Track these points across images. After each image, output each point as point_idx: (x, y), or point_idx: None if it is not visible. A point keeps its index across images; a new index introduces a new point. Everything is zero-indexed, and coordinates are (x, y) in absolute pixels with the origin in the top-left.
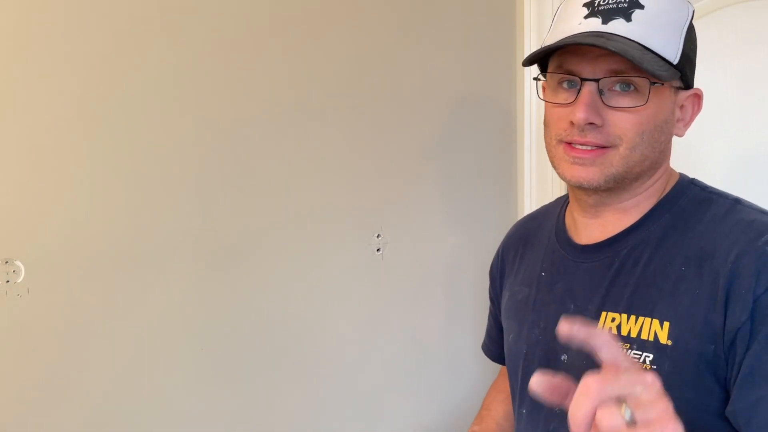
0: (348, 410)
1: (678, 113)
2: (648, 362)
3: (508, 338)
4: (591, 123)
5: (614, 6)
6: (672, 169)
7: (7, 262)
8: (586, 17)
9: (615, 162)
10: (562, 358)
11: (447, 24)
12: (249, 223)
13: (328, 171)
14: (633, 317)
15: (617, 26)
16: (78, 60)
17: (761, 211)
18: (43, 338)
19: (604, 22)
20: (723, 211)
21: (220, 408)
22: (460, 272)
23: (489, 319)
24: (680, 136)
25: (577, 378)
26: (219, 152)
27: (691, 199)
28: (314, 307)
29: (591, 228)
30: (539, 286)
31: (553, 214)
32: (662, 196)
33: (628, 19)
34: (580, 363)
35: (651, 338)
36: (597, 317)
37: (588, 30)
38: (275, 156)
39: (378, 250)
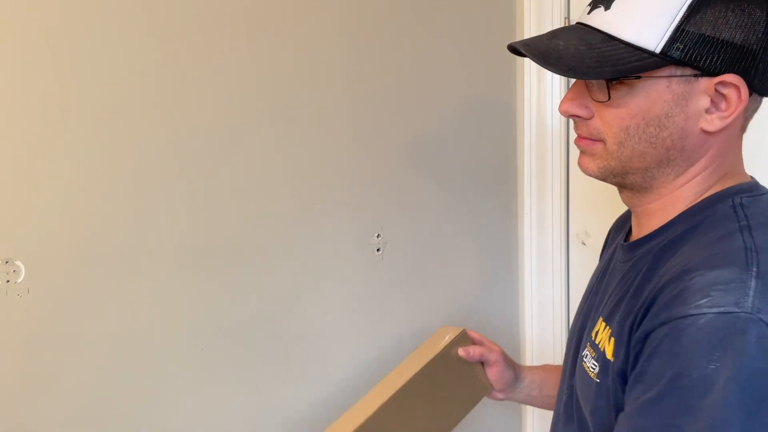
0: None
1: (706, 103)
2: (595, 373)
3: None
4: (576, 116)
5: None
6: (736, 174)
7: (7, 262)
8: (588, 5)
9: (605, 155)
10: (582, 353)
11: (447, 24)
12: (249, 223)
13: (327, 171)
14: (607, 327)
15: (596, 15)
16: (78, 60)
17: (749, 248)
18: (43, 338)
19: (591, 11)
20: (718, 236)
21: (220, 407)
22: (460, 271)
23: None
24: (709, 130)
25: (577, 371)
26: (219, 152)
27: (712, 216)
28: (314, 307)
29: (634, 227)
30: (598, 278)
31: None
32: (690, 205)
33: (608, 6)
34: (579, 356)
35: (602, 350)
36: (597, 319)
37: (572, 23)
38: (275, 156)
39: (378, 250)
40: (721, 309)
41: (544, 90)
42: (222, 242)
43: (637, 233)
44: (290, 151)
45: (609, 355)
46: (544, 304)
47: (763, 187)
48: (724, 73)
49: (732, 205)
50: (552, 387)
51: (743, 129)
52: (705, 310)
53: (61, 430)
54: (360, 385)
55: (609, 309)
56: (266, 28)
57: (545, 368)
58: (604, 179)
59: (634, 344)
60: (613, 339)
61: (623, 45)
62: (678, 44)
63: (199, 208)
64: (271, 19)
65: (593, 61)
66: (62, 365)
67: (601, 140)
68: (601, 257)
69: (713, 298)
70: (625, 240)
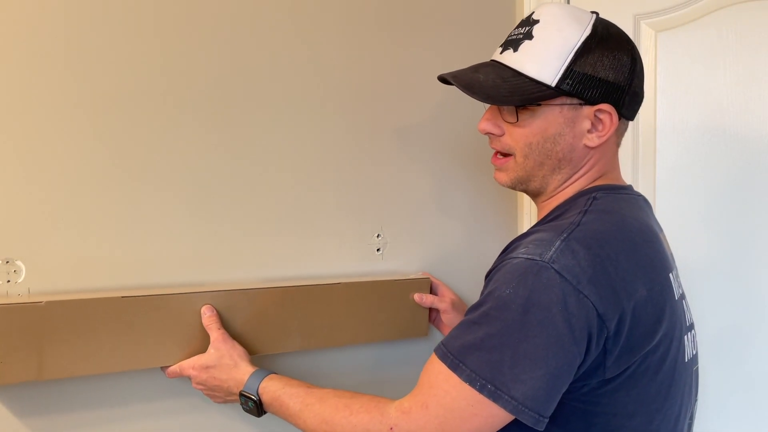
0: None
1: (587, 125)
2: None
3: None
4: (491, 133)
5: (514, 37)
6: (609, 176)
7: (7, 262)
8: (500, 46)
9: (514, 168)
10: None
11: (447, 23)
12: (248, 224)
13: (328, 171)
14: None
15: (506, 55)
16: (77, 61)
17: (576, 222)
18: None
19: (502, 51)
20: (564, 216)
21: (221, 409)
22: (460, 272)
23: None
24: (590, 146)
25: None
26: (218, 153)
27: (574, 205)
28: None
29: None
30: None
31: None
32: (565, 199)
33: (516, 48)
34: None
35: None
36: None
37: (489, 60)
38: (275, 156)
39: (378, 250)
40: (529, 256)
41: None
42: (222, 243)
43: None
44: (290, 151)
45: None
46: None
47: (633, 191)
48: (600, 102)
49: (588, 198)
50: None
51: (617, 144)
52: (520, 256)
53: (60, 429)
54: (360, 386)
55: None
56: (266, 28)
57: None
58: (513, 188)
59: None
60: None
61: (528, 79)
62: (568, 80)
63: (199, 209)
64: (271, 19)
65: (506, 91)
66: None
67: (512, 154)
68: None
69: (528, 249)
70: None
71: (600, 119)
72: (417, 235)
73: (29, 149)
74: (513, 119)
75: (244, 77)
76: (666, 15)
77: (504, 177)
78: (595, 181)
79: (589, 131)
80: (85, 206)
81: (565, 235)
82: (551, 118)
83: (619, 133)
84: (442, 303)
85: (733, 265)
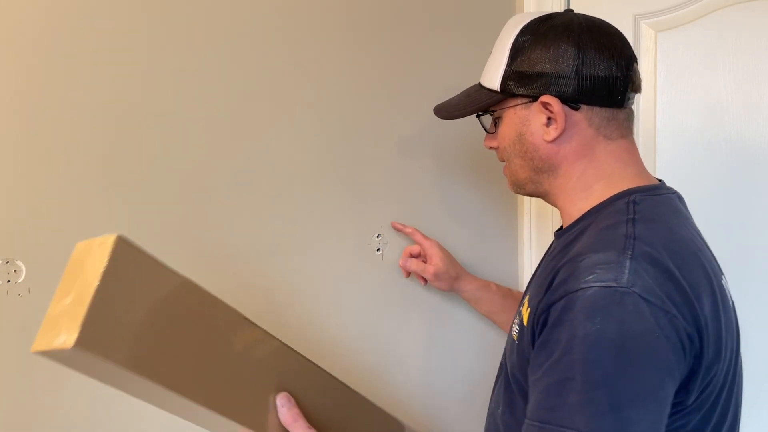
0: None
1: (543, 119)
2: (516, 335)
3: None
4: (492, 148)
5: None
6: (622, 176)
7: (8, 262)
8: None
9: (508, 173)
10: (515, 319)
11: (446, 24)
12: (248, 224)
13: (328, 171)
14: (527, 300)
15: (482, 74)
16: (77, 60)
17: (629, 236)
18: None
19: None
20: (608, 225)
21: None
22: None
23: None
24: (549, 139)
25: (508, 340)
26: (219, 153)
27: (609, 211)
28: (314, 307)
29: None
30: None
31: None
32: (595, 204)
33: (485, 65)
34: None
35: (522, 318)
36: (526, 297)
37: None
38: (275, 156)
39: (378, 250)
40: (603, 283)
41: None
42: (222, 243)
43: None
44: (290, 151)
45: (525, 321)
46: None
47: (667, 188)
48: (541, 95)
49: (627, 202)
50: (489, 305)
51: (607, 136)
52: (591, 284)
53: (61, 429)
54: (359, 386)
55: (532, 287)
56: (266, 28)
57: (488, 287)
58: (518, 192)
59: (538, 315)
60: (529, 309)
61: (484, 89)
62: (510, 81)
63: (199, 208)
64: (271, 19)
65: (463, 105)
66: (62, 365)
67: (506, 161)
68: None
69: (597, 275)
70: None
71: (552, 112)
72: None
73: (29, 149)
74: (491, 129)
75: (244, 77)
76: (666, 15)
77: (509, 184)
78: (605, 180)
79: (547, 125)
80: (85, 206)
81: (630, 253)
82: (510, 121)
83: (597, 123)
84: (426, 272)
85: (734, 265)
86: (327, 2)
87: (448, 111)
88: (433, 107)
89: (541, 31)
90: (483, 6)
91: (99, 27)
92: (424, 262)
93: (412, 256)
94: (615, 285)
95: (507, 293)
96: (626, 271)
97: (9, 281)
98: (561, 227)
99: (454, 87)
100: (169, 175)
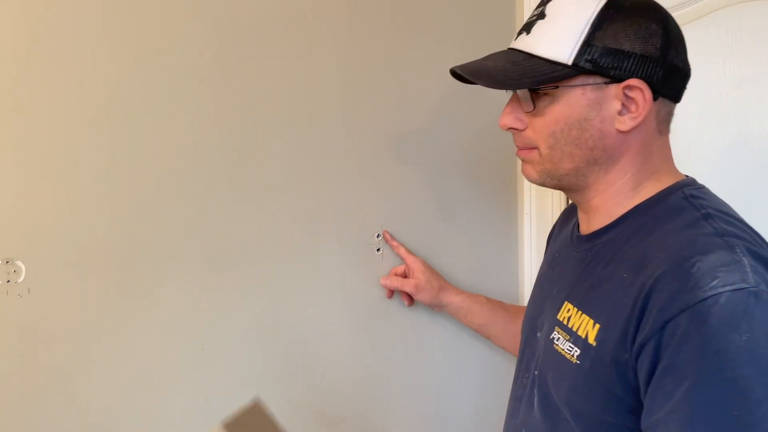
0: (348, 410)
1: (617, 106)
2: (575, 356)
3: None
4: (513, 128)
5: (528, 20)
6: (671, 173)
7: (7, 262)
8: (517, 33)
9: (540, 160)
10: (538, 335)
11: (446, 23)
12: (249, 223)
13: (327, 170)
14: (580, 313)
15: (520, 39)
16: (77, 60)
17: (721, 233)
18: (43, 338)
19: (517, 37)
20: (684, 223)
21: (221, 407)
22: (460, 272)
23: None
24: (623, 129)
25: (539, 352)
26: (218, 153)
27: (667, 206)
28: (314, 307)
29: (583, 221)
30: (550, 265)
31: None
32: (645, 199)
33: (529, 31)
34: (543, 340)
35: (583, 336)
36: (562, 304)
37: (506, 47)
38: (275, 156)
39: (378, 250)
40: (733, 286)
41: None
42: (222, 243)
43: (586, 227)
44: (290, 151)
45: (591, 339)
46: None
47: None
48: (628, 78)
49: (684, 197)
50: (478, 318)
51: (661, 131)
52: (720, 290)
53: (61, 429)
54: (359, 386)
55: (579, 295)
56: (265, 28)
57: (477, 299)
58: (543, 183)
59: (646, 335)
60: (597, 325)
61: (541, 60)
62: (586, 56)
63: (199, 209)
64: (270, 19)
65: (516, 75)
66: (63, 365)
67: (535, 147)
68: (548, 247)
69: (722, 278)
70: (574, 233)
71: (631, 98)
72: (417, 235)
73: (29, 149)
74: (529, 108)
75: (244, 76)
76: None
77: (531, 170)
78: (653, 176)
79: (620, 113)
80: (85, 206)
81: (739, 250)
82: (573, 102)
83: (661, 117)
84: (406, 286)
85: None
86: (326, 3)
87: (493, 78)
88: (432, 106)
89: (627, 5)
90: (483, 6)
91: (99, 27)
92: (406, 277)
93: (396, 275)
94: (746, 286)
95: (497, 305)
96: (748, 270)
97: (9, 281)
98: (576, 227)
99: (454, 87)
100: (169, 176)
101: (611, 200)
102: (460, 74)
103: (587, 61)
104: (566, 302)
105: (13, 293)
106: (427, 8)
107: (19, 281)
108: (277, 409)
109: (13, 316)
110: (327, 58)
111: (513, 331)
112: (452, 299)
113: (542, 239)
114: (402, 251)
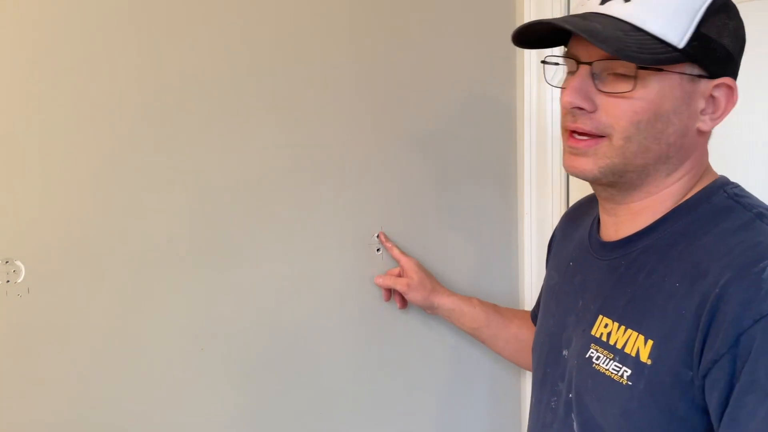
0: (348, 410)
1: (702, 104)
2: (626, 377)
3: (536, 325)
4: (580, 108)
5: None
6: (710, 172)
7: (7, 262)
8: None
9: (609, 153)
10: (564, 353)
11: (446, 22)
12: (248, 223)
13: (327, 170)
14: (623, 328)
15: (613, 6)
16: (76, 60)
17: None
18: (43, 338)
19: (604, 1)
20: (736, 225)
21: (221, 407)
22: (460, 272)
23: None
24: (704, 130)
25: (570, 372)
26: (219, 152)
27: (712, 207)
28: (314, 307)
29: (608, 225)
30: (565, 275)
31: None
32: (683, 200)
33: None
34: (573, 359)
35: (633, 353)
36: (594, 319)
37: (585, 11)
38: (274, 156)
39: (378, 250)
40: None
41: (543, 88)
42: (222, 242)
43: (613, 232)
44: (290, 150)
45: (644, 357)
46: None
47: None
48: (721, 76)
49: (728, 196)
50: (471, 320)
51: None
52: None
53: (61, 430)
54: (359, 386)
55: (617, 308)
56: (267, 27)
57: (469, 301)
58: (601, 179)
59: (717, 350)
60: (650, 341)
61: (650, 37)
62: (695, 43)
63: (199, 208)
64: (271, 18)
65: (635, 46)
66: (62, 365)
67: (606, 136)
68: (552, 254)
69: None
70: (594, 239)
71: (715, 98)
72: (417, 235)
73: (29, 149)
74: (626, 87)
75: (244, 75)
76: None
77: (589, 165)
78: (702, 177)
79: (702, 112)
80: (85, 206)
81: None
82: (668, 91)
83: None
84: (398, 284)
85: None
86: (327, 3)
87: (612, 44)
88: (432, 106)
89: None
90: (483, 6)
91: (99, 26)
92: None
93: (392, 275)
94: None
95: (490, 309)
96: None
97: (8, 281)
98: (593, 232)
99: (453, 85)
100: (169, 176)
101: (659, 205)
102: (557, 27)
103: (696, 48)
104: (601, 316)
105: (13, 293)
106: (426, 9)
107: (19, 281)
108: (277, 408)
109: (12, 316)
110: (327, 58)
111: (506, 336)
112: (444, 301)
113: (543, 240)
114: (396, 252)
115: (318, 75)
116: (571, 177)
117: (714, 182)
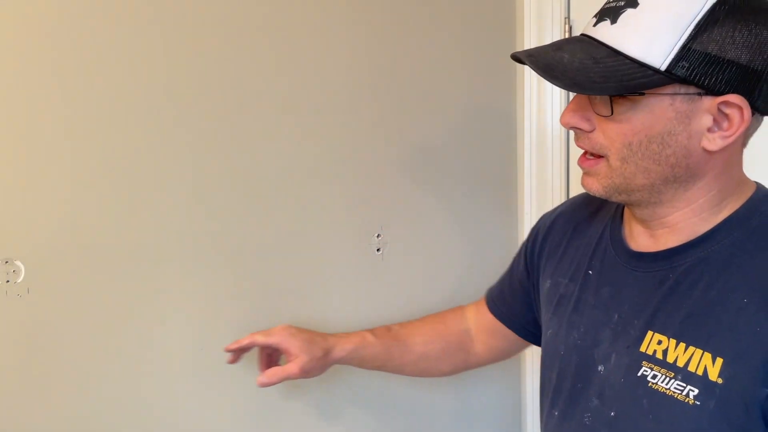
0: (348, 410)
1: (708, 122)
2: (692, 396)
3: (546, 333)
4: (578, 128)
5: (612, 4)
6: (746, 181)
7: (7, 262)
8: (594, 16)
9: (608, 173)
10: (599, 368)
11: (447, 26)
12: (249, 223)
13: (328, 171)
14: (683, 345)
15: (601, 28)
16: (77, 60)
17: None
18: (43, 338)
19: (596, 23)
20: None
21: (221, 407)
22: (460, 272)
23: (507, 279)
24: (710, 149)
25: (611, 389)
26: (219, 152)
27: (766, 217)
28: (314, 307)
29: (641, 235)
30: (585, 285)
31: (610, 210)
32: (733, 212)
33: (614, 20)
34: (617, 376)
35: (700, 372)
36: (642, 334)
37: (576, 34)
38: (275, 156)
39: (378, 250)
40: None
41: (544, 94)
42: (222, 243)
43: (652, 243)
44: (291, 151)
45: (713, 376)
46: None
47: None
48: (727, 93)
49: None
50: (372, 361)
51: (744, 145)
52: None
53: (61, 430)
54: (360, 385)
55: (672, 323)
56: (268, 29)
57: (363, 341)
58: (609, 197)
59: None
60: (720, 359)
61: (629, 61)
62: (683, 62)
63: (199, 208)
64: (273, 20)
65: (598, 76)
66: (62, 365)
67: (604, 156)
68: (545, 256)
69: None
70: (622, 248)
71: (725, 114)
72: (417, 236)
73: (29, 149)
74: (606, 111)
75: (245, 75)
76: None
77: (594, 184)
78: (737, 188)
79: (709, 130)
80: (85, 206)
81: None
82: (658, 112)
83: (749, 132)
84: (291, 374)
85: None
86: (328, 3)
87: (570, 78)
88: (432, 108)
89: (740, 4)
90: (483, 6)
91: (99, 26)
92: (277, 363)
93: (263, 350)
94: None
95: (387, 339)
96: None
97: (8, 281)
98: (617, 240)
99: (454, 87)
100: (169, 176)
101: (695, 216)
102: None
103: (684, 68)
104: (651, 332)
105: (13, 293)
106: (426, 9)
107: (19, 281)
108: (277, 408)
109: (12, 316)
110: (327, 58)
111: (409, 360)
112: (340, 354)
113: None
114: (258, 338)
115: (319, 75)
116: (570, 181)
117: (758, 191)
